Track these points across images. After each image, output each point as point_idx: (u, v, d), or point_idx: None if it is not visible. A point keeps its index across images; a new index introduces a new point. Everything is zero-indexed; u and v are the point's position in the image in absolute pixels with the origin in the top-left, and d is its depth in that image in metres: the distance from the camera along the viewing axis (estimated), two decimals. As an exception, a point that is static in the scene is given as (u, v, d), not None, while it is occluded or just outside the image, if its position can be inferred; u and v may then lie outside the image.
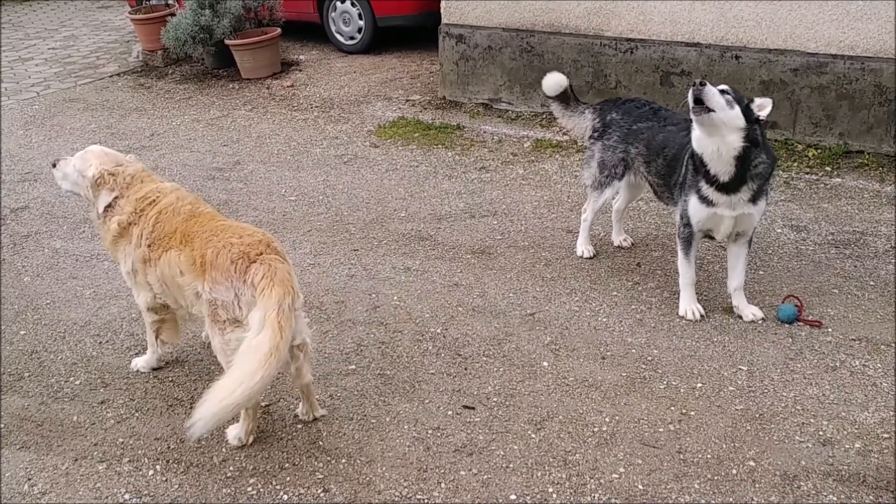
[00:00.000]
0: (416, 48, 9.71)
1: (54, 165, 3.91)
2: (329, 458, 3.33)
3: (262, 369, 2.93)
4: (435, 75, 8.39)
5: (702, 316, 4.14)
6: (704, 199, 3.93)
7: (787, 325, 4.04)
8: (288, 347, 3.08)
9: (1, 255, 5.27)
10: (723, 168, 3.81)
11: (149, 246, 3.57)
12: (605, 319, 4.20)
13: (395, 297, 4.52)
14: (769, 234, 4.96)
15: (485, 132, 7.03)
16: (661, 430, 3.39)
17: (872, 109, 5.87)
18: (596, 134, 4.69)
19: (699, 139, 3.83)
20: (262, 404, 3.57)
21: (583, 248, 4.85)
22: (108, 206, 3.68)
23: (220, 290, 3.21)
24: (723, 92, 3.72)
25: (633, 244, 4.95)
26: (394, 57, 9.49)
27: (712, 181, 3.86)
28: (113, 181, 3.69)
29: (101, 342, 4.27)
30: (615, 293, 4.45)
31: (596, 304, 4.34)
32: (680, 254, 4.13)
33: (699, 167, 3.89)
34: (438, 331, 4.18)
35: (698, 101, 3.65)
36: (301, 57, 9.68)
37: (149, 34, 9.80)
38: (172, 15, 9.30)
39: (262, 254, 3.24)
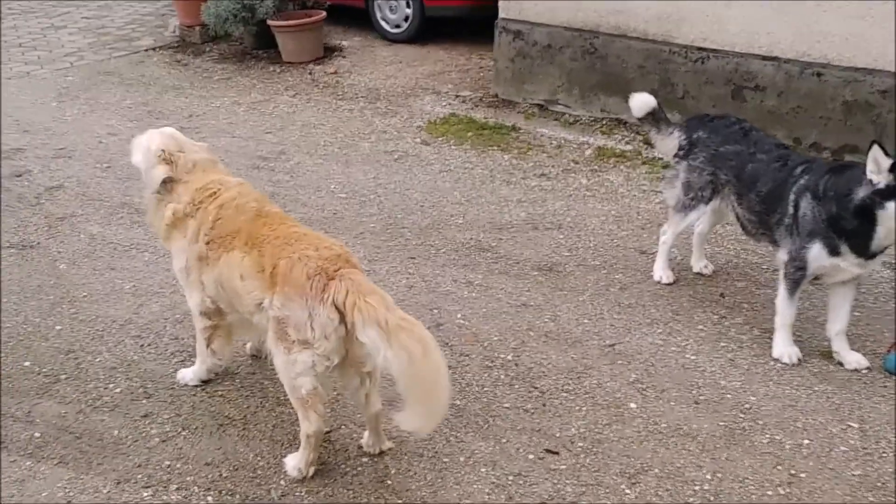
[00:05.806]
0: (464, 41, 9.33)
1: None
2: (399, 501, 3.00)
3: (438, 374, 2.88)
4: (485, 71, 8.03)
5: (799, 360, 3.79)
6: (832, 250, 3.58)
7: None
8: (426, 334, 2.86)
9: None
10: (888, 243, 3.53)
11: (207, 243, 3.27)
12: (693, 357, 3.85)
13: (459, 315, 4.19)
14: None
15: (542, 135, 6.66)
16: (769, 492, 3.04)
17: (965, 139, 5.50)
18: (681, 152, 4.34)
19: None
20: (325, 430, 3.23)
21: (661, 272, 4.50)
22: (165, 185, 3.39)
23: (294, 307, 2.90)
24: None
25: (713, 272, 4.60)
26: (440, 49, 9.10)
27: (862, 251, 3.53)
28: (172, 159, 3.41)
29: (142, 345, 3.95)
30: (700, 327, 4.09)
31: (681, 339, 3.98)
32: (782, 293, 3.76)
33: (850, 233, 3.52)
34: (509, 357, 3.84)
35: None
36: (344, 43, 9.30)
37: (187, 9, 9.44)
38: (214, -10, 8.95)
39: (339, 269, 2.93)
